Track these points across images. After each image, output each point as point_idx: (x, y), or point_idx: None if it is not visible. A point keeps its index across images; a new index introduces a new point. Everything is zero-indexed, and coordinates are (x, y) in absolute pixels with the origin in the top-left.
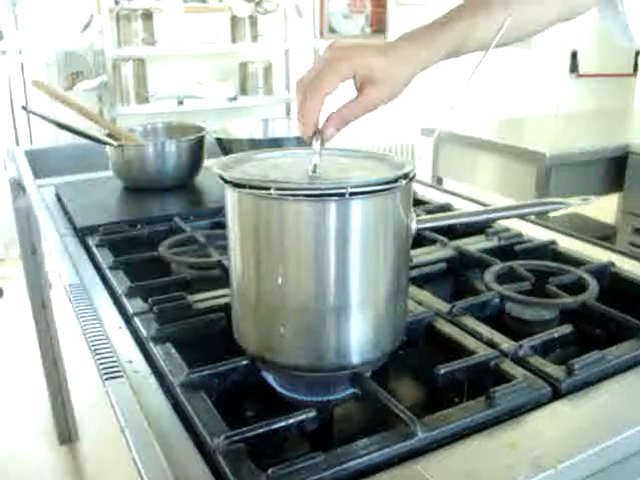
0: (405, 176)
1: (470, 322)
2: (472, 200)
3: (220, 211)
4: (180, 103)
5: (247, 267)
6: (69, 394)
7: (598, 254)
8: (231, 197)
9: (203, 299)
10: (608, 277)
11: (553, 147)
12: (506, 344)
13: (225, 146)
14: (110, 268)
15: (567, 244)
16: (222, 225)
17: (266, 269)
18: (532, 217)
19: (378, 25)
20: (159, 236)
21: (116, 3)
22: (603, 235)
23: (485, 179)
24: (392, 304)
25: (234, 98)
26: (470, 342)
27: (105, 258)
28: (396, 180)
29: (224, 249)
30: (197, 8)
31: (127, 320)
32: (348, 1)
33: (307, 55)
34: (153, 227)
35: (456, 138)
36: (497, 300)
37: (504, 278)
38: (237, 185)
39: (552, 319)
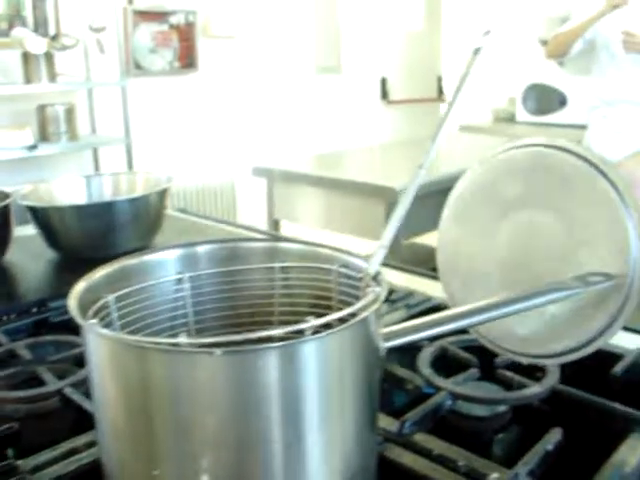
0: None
1: (425, 440)
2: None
3: (44, 304)
4: None
5: (146, 462)
6: None
7: None
8: (107, 351)
9: (47, 462)
10: None
11: (396, 180)
12: (495, 473)
13: (40, 216)
14: None
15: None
16: (50, 326)
17: (182, 464)
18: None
19: (187, 59)
20: None
21: None
22: None
23: (327, 218)
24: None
25: (33, 146)
26: (448, 477)
27: None
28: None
29: (62, 366)
30: None
31: None
32: (154, 35)
33: (113, 94)
34: None
35: (289, 176)
36: (449, 402)
37: (438, 363)
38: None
39: (506, 411)
